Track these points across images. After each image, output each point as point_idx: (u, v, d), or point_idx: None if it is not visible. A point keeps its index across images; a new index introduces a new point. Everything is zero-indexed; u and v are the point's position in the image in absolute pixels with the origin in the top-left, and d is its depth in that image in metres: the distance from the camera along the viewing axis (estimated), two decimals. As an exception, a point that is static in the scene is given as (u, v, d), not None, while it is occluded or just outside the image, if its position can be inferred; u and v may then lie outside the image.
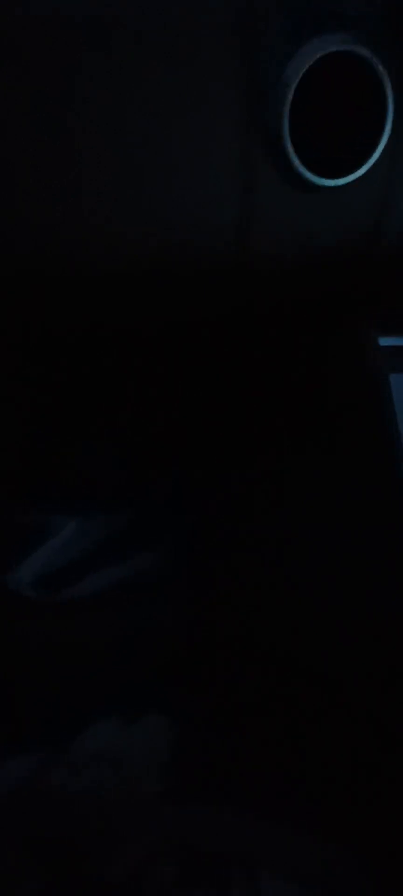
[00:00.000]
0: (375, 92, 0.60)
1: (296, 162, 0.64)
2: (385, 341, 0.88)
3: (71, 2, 0.57)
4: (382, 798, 0.65)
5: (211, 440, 0.90)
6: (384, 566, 0.82)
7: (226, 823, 0.64)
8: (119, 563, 0.85)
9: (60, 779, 0.67)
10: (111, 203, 0.66)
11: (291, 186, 0.67)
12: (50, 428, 0.92)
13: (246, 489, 0.88)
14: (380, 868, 0.63)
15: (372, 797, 0.66)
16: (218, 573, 0.83)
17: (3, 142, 0.62)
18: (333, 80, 0.60)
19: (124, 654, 0.76)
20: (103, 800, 0.65)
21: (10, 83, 0.59)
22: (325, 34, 0.58)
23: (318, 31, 0.58)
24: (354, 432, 0.88)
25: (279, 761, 0.69)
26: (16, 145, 0.62)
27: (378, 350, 0.88)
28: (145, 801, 0.65)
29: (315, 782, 0.67)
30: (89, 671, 0.75)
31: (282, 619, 0.79)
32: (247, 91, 0.62)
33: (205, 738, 0.69)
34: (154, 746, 0.69)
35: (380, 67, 0.58)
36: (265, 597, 0.80)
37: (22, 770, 0.68)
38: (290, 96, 0.61)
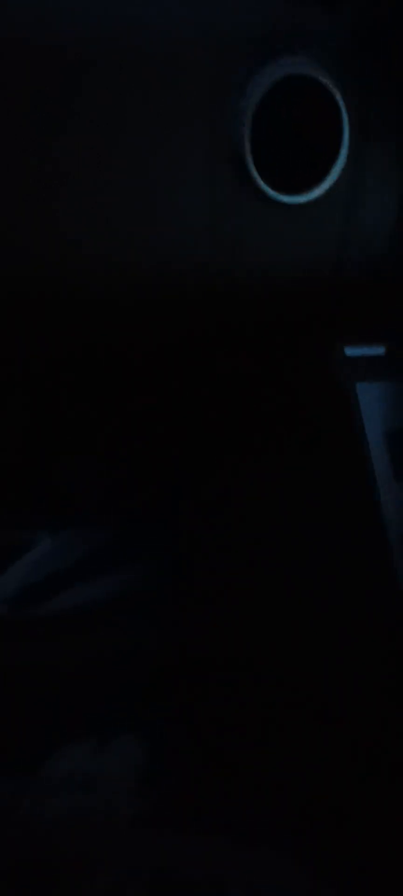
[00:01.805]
0: (333, 114, 0.61)
1: (258, 179, 0.64)
2: (351, 351, 0.88)
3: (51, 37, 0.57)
4: (362, 822, 0.66)
5: (188, 456, 0.90)
6: (357, 574, 0.82)
7: (200, 848, 0.64)
8: (96, 580, 0.84)
9: (31, 803, 0.66)
10: (88, 229, 0.66)
11: (256, 206, 0.67)
12: (29, 442, 0.92)
13: (221, 504, 0.88)
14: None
15: (349, 821, 0.66)
16: (196, 593, 0.83)
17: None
18: (295, 100, 0.61)
19: (98, 674, 0.76)
20: (75, 825, 0.65)
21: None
22: (286, 57, 0.59)
23: (280, 53, 0.59)
24: (322, 441, 0.88)
25: (255, 785, 0.69)
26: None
27: (344, 360, 0.88)
28: (118, 826, 0.65)
29: (291, 806, 0.67)
30: (62, 691, 0.75)
31: (263, 641, 0.79)
32: (214, 115, 0.62)
33: (180, 761, 0.69)
34: (127, 769, 0.69)
35: (337, 92, 0.59)
36: (244, 617, 0.80)
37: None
38: (250, 118, 0.61)
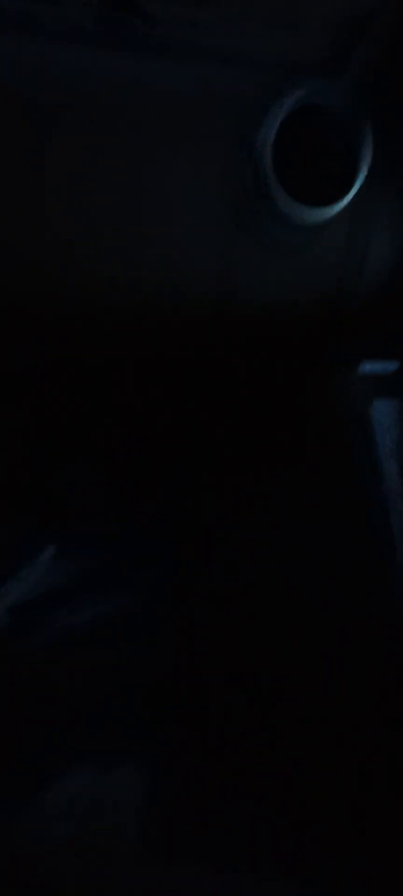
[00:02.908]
0: (348, 139, 0.60)
1: (280, 193, 0.63)
2: (365, 367, 0.87)
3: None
4: (372, 851, 0.64)
5: (194, 473, 0.89)
6: (368, 595, 0.81)
7: (207, 880, 0.63)
8: (98, 596, 0.83)
9: (30, 831, 0.65)
10: (97, 248, 0.66)
11: (275, 225, 0.67)
12: (33, 456, 0.91)
13: (232, 521, 0.87)
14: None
15: (364, 848, 0.65)
16: (202, 612, 0.82)
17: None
18: (314, 126, 0.60)
19: (101, 695, 0.75)
20: (77, 853, 0.64)
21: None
22: (304, 84, 0.58)
23: (299, 81, 0.58)
24: (336, 458, 0.87)
25: (261, 811, 0.67)
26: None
27: (358, 376, 0.87)
28: (121, 857, 0.64)
29: (299, 834, 0.66)
30: (63, 713, 0.73)
31: (265, 662, 0.78)
32: (233, 136, 0.62)
33: (184, 786, 0.68)
34: (130, 795, 0.68)
35: (350, 121, 0.58)
36: (247, 638, 0.79)
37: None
38: (272, 141, 0.60)
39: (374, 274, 0.71)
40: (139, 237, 0.65)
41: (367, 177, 0.61)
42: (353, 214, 0.65)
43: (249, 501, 0.87)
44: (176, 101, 0.59)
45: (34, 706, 0.75)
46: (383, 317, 0.79)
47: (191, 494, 0.88)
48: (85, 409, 0.90)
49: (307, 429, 0.87)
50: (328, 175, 0.64)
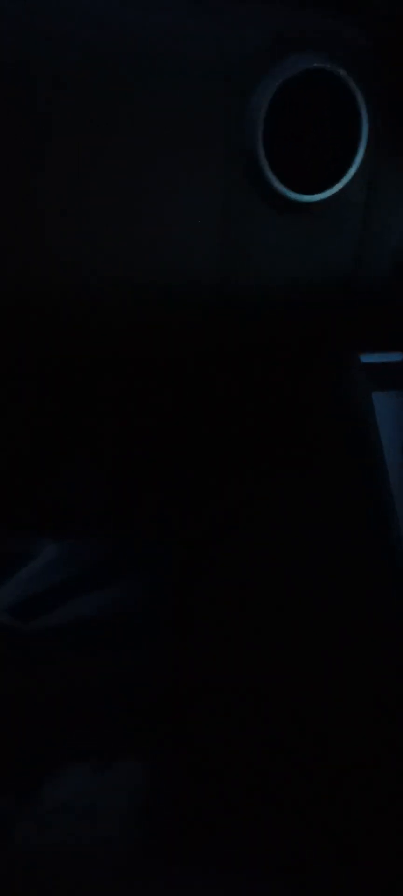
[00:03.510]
0: (350, 109, 0.58)
1: (272, 178, 0.62)
2: (367, 358, 0.85)
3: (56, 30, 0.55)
4: (376, 855, 0.63)
5: (196, 467, 0.88)
6: (370, 589, 0.80)
7: (204, 880, 0.61)
8: (99, 593, 0.82)
9: (25, 832, 0.63)
10: (94, 237, 0.64)
11: (271, 210, 0.65)
12: (35, 453, 0.90)
13: (234, 516, 0.86)
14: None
15: (362, 855, 0.63)
16: (202, 608, 0.81)
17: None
18: (310, 100, 0.58)
19: (98, 694, 0.73)
20: (72, 857, 0.62)
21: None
22: (298, 54, 0.56)
23: (291, 50, 0.56)
24: (337, 451, 0.86)
25: (257, 813, 0.66)
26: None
27: (360, 368, 0.86)
28: (117, 860, 0.62)
29: (294, 838, 0.64)
30: (61, 711, 0.72)
31: (266, 662, 0.76)
32: (225, 115, 0.60)
33: (180, 788, 0.66)
34: (126, 796, 0.66)
35: (352, 83, 0.56)
36: (248, 637, 0.77)
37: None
38: (264, 113, 0.59)
39: (377, 261, 0.70)
40: (134, 220, 0.63)
41: (374, 145, 0.60)
42: (352, 197, 0.64)
43: (251, 495, 0.85)
44: (173, 73, 0.58)
45: (32, 705, 0.73)
46: (386, 306, 0.78)
47: (193, 489, 0.87)
48: (86, 408, 0.89)
49: (309, 420, 0.86)
50: (325, 157, 0.63)
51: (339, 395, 0.85)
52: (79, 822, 0.64)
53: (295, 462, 0.86)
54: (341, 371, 0.85)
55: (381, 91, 0.60)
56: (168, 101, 0.59)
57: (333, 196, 0.62)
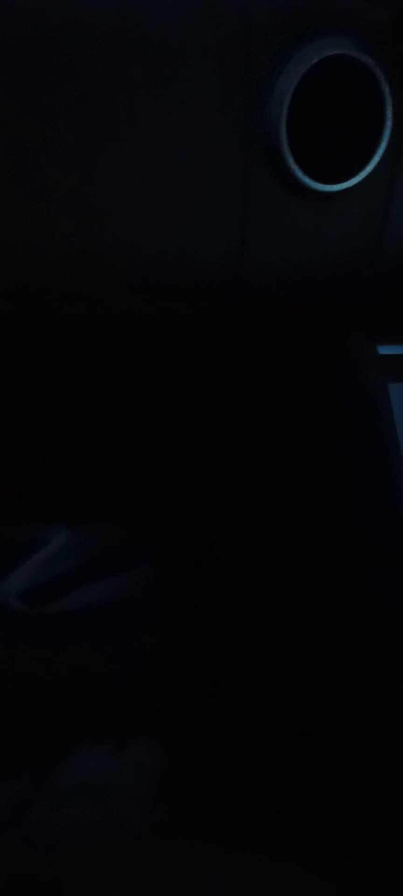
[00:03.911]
0: (374, 96, 0.58)
1: (294, 168, 0.62)
2: (384, 350, 0.85)
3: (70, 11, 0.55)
4: (380, 835, 0.63)
5: (203, 457, 0.88)
6: (383, 579, 0.80)
7: (218, 862, 0.61)
8: (109, 578, 0.82)
9: (42, 811, 0.63)
10: (107, 218, 0.64)
11: (291, 195, 0.65)
12: (41, 441, 0.90)
13: (244, 502, 0.86)
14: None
15: (372, 834, 0.63)
16: (212, 592, 0.81)
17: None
18: (332, 86, 0.58)
19: (112, 677, 0.74)
20: (88, 836, 0.62)
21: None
22: (321, 39, 0.56)
23: (315, 36, 0.56)
24: (353, 442, 0.86)
25: (274, 792, 0.66)
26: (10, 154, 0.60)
27: (377, 359, 0.86)
28: (133, 840, 0.62)
29: (309, 814, 0.64)
30: (75, 693, 0.72)
31: (277, 642, 0.77)
32: (246, 100, 0.60)
33: (197, 768, 0.67)
34: (141, 777, 0.66)
35: (378, 70, 0.56)
36: (260, 618, 0.78)
37: (1, 801, 0.64)
38: (287, 103, 0.58)
39: (398, 252, 0.70)
40: (152, 199, 0.63)
41: (398, 134, 0.60)
42: (374, 185, 0.64)
43: (262, 483, 0.85)
44: (191, 50, 0.58)
45: (45, 688, 0.74)
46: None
47: (204, 476, 0.87)
48: (96, 396, 0.89)
49: (324, 409, 0.86)
50: (347, 144, 0.63)
51: (356, 386, 0.86)
52: (94, 803, 0.65)
53: (307, 450, 0.86)
54: (358, 361, 0.85)
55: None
56: (189, 82, 0.59)
57: (355, 184, 0.62)
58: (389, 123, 0.58)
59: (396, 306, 0.82)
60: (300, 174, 0.62)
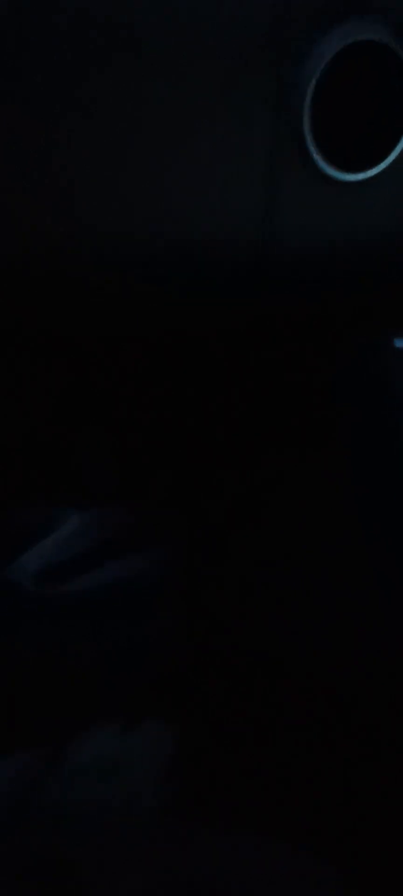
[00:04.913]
0: (400, 82, 0.58)
1: (317, 156, 0.61)
2: (401, 343, 0.86)
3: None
4: (385, 825, 0.63)
5: (215, 439, 0.88)
6: (391, 572, 0.80)
7: (228, 842, 0.62)
8: (120, 561, 0.83)
9: (51, 790, 0.64)
10: (131, 203, 0.64)
11: (314, 184, 0.64)
12: (53, 423, 0.90)
13: (253, 489, 0.86)
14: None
15: (373, 821, 0.63)
16: (222, 575, 0.81)
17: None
18: (357, 72, 0.58)
19: (122, 659, 0.74)
20: (97, 816, 0.62)
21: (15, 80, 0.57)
22: (347, 24, 0.56)
23: (339, 21, 0.56)
24: (367, 433, 0.86)
25: (283, 774, 0.66)
26: (21, 139, 0.60)
27: (394, 352, 0.86)
28: (141, 820, 0.62)
29: (316, 802, 0.64)
30: (87, 673, 0.73)
31: (285, 627, 0.77)
32: (272, 86, 0.59)
33: (207, 749, 0.67)
34: (154, 756, 0.67)
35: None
36: (270, 602, 0.78)
37: (13, 780, 0.65)
38: (311, 90, 0.58)
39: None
40: (173, 182, 0.63)
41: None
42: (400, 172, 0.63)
43: (272, 470, 0.86)
44: (218, 34, 0.58)
45: (58, 668, 0.74)
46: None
47: (215, 461, 0.87)
48: (107, 378, 0.89)
49: (338, 399, 0.86)
50: (372, 130, 0.62)
51: (371, 378, 0.85)
52: (104, 783, 0.65)
53: (319, 439, 0.87)
54: (375, 353, 0.85)
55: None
56: (215, 67, 0.59)
57: (379, 173, 0.62)
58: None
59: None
60: (322, 163, 0.62)
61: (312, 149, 0.61)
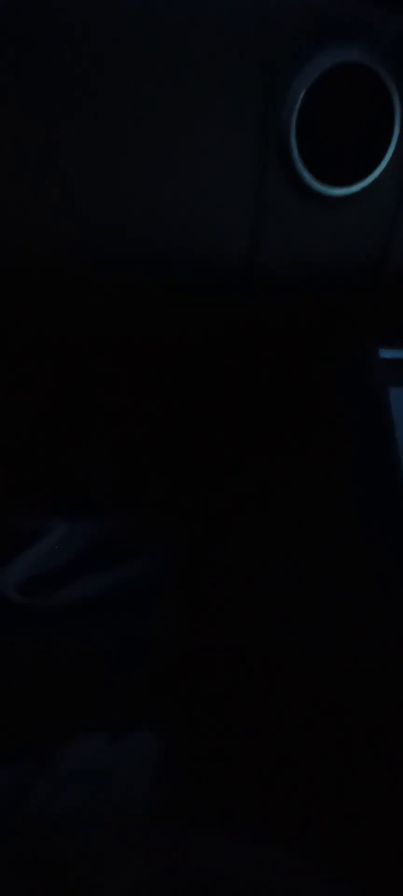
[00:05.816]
0: (382, 102, 0.59)
1: (303, 170, 0.63)
2: (386, 353, 0.86)
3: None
4: (380, 823, 0.64)
5: (207, 447, 0.89)
6: (383, 578, 0.81)
7: (218, 847, 0.62)
8: (110, 569, 0.83)
9: (43, 796, 0.64)
10: (121, 209, 0.65)
11: (301, 197, 0.66)
12: (42, 431, 0.91)
13: (243, 498, 0.87)
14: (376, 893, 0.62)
15: (370, 820, 0.64)
16: (212, 582, 0.82)
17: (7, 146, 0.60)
18: (342, 91, 0.59)
19: (112, 665, 0.75)
20: (88, 821, 0.63)
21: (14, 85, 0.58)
22: (332, 47, 0.57)
23: (326, 43, 0.57)
24: (352, 444, 0.87)
25: (273, 779, 0.67)
26: (18, 148, 0.61)
27: (378, 363, 0.87)
28: (133, 824, 0.63)
29: (310, 801, 0.65)
30: (75, 681, 0.73)
31: (284, 627, 0.78)
32: (260, 103, 0.61)
33: (196, 755, 0.67)
34: (142, 762, 0.67)
35: (387, 77, 0.58)
36: (260, 608, 0.79)
37: (4, 786, 0.65)
38: (297, 108, 0.60)
39: None
40: (165, 188, 0.64)
41: (397, 155, 0.61)
42: (383, 189, 0.65)
43: (262, 475, 0.86)
44: (209, 49, 0.59)
45: (47, 675, 0.74)
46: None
47: (206, 467, 0.88)
48: (98, 385, 0.90)
49: (324, 407, 0.87)
50: (356, 148, 0.64)
51: (356, 387, 0.86)
52: (95, 788, 0.66)
53: (307, 446, 0.87)
54: (359, 363, 0.86)
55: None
56: (206, 80, 0.60)
57: (363, 189, 0.64)
58: (397, 131, 0.60)
59: (399, 311, 0.83)
60: (308, 177, 0.63)
61: (299, 164, 0.62)
